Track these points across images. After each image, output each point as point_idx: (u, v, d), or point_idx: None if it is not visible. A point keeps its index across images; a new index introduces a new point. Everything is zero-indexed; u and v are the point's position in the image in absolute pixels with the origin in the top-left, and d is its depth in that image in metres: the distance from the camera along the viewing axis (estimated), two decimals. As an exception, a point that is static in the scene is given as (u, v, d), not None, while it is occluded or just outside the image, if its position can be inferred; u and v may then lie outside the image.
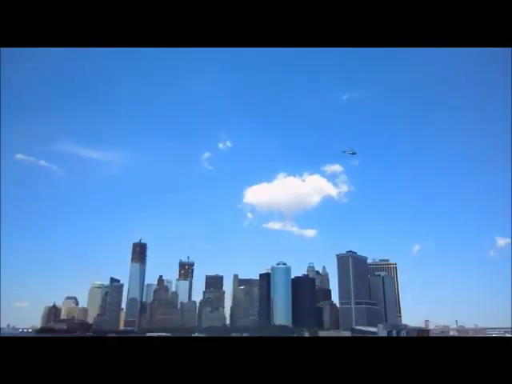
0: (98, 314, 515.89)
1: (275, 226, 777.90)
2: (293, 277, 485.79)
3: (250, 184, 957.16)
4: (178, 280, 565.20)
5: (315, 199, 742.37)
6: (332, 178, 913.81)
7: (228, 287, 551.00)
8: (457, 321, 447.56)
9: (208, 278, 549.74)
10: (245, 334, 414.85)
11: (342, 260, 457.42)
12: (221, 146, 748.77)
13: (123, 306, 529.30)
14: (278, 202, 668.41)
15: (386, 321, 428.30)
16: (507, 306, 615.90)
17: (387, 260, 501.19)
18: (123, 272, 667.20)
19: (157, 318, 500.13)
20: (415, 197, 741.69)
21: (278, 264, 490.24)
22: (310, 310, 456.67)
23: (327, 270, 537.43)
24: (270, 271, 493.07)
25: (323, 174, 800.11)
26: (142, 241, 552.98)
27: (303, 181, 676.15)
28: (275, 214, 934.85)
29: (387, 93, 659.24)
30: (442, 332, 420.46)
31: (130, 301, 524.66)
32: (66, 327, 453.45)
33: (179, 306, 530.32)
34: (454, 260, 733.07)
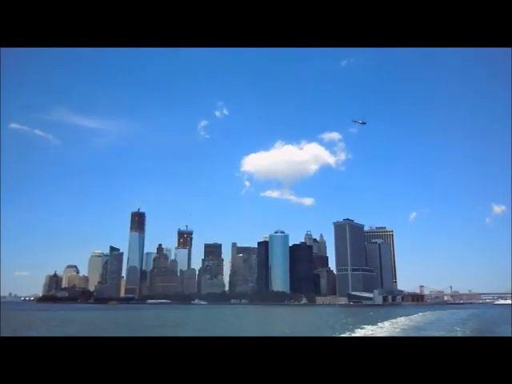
0: (98, 282, 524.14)
1: (273, 194, 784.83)
2: (290, 244, 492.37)
3: (248, 152, 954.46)
4: (177, 248, 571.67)
5: (313, 167, 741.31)
6: (330, 146, 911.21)
7: (227, 255, 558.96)
8: (451, 286, 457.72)
9: (207, 246, 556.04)
10: (243, 301, 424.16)
11: (339, 228, 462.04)
12: (217, 113, 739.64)
13: (123, 274, 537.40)
14: (276, 171, 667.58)
15: (382, 287, 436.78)
16: (501, 272, 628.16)
17: (384, 227, 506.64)
18: (122, 241, 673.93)
19: (157, 286, 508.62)
20: (413, 164, 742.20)
21: (275, 232, 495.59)
22: (308, 277, 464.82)
23: (324, 238, 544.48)
24: (268, 239, 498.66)
25: (321, 142, 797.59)
26: (141, 210, 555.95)
27: (301, 149, 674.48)
28: (273, 183, 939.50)
29: (386, 58, 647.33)
30: (437, 297, 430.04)
31: (130, 269, 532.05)
32: (67, 295, 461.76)
33: (179, 274, 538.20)
34: (449, 227, 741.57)
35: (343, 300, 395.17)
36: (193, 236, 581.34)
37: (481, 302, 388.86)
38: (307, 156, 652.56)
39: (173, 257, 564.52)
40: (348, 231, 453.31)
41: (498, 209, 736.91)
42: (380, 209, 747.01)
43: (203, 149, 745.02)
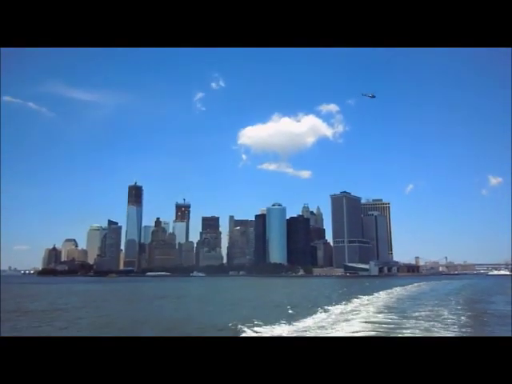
0: (97, 255, 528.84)
1: (270, 167, 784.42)
2: (288, 217, 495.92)
3: (245, 125, 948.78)
4: (175, 221, 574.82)
5: (310, 140, 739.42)
6: (327, 118, 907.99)
7: (224, 228, 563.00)
8: (446, 257, 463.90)
9: (204, 219, 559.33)
10: (241, 273, 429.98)
11: (336, 200, 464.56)
12: (214, 85, 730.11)
13: (122, 247, 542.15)
14: (273, 143, 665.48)
15: (378, 258, 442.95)
16: (495, 244, 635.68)
17: (380, 200, 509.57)
18: (120, 214, 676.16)
19: (156, 258, 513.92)
20: (410, 136, 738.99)
21: (273, 205, 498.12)
22: (305, 249, 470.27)
23: (321, 210, 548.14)
24: (265, 212, 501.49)
25: (319, 114, 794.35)
26: (138, 183, 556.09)
27: (298, 121, 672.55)
28: (270, 155, 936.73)
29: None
30: (432, 268, 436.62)
31: (129, 242, 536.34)
32: (67, 268, 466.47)
33: (177, 247, 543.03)
34: (446, 199, 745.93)
35: (340, 271, 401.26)
36: (190, 209, 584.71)
37: (475, 272, 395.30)
38: (304, 128, 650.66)
39: (171, 230, 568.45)
40: (345, 204, 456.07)
41: (495, 180, 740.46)
42: (377, 181, 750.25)
43: (199, 121, 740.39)
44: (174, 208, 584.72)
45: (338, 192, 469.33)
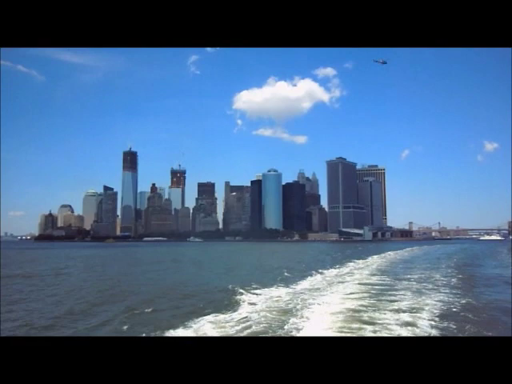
0: (94, 221, 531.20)
1: (266, 132, 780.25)
2: (283, 183, 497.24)
3: (240, 89, 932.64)
4: (171, 187, 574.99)
5: (306, 105, 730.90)
6: (324, 82, 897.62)
7: (220, 194, 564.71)
8: (439, 222, 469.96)
9: (200, 185, 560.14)
10: (238, 238, 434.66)
11: (332, 166, 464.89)
12: (208, 48, 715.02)
13: (118, 212, 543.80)
14: (269, 108, 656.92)
15: (372, 223, 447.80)
16: (489, 209, 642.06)
17: (376, 166, 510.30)
18: (116, 180, 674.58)
19: (152, 224, 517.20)
20: (406, 102, 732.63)
21: (268, 171, 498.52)
22: (300, 214, 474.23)
23: (317, 176, 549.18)
24: (261, 178, 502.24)
25: (315, 78, 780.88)
26: (132, 149, 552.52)
27: (294, 85, 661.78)
28: (265, 121, 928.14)
29: None
30: (425, 233, 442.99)
31: (125, 208, 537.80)
32: (64, 234, 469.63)
33: (173, 212, 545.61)
34: (441, 164, 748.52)
35: (334, 236, 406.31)
36: (186, 175, 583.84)
37: (467, 237, 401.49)
38: (301, 93, 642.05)
39: (166, 196, 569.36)
40: (340, 170, 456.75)
41: (490, 146, 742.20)
42: (373, 147, 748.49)
43: (194, 85, 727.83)
44: (170, 174, 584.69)
45: (333, 158, 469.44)
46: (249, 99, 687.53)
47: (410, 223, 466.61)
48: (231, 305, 24.43)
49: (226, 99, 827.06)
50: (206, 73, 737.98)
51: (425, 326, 18.28)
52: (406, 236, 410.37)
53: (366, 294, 27.54)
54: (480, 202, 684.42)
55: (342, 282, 35.74)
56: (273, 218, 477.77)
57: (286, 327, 18.07)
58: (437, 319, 19.70)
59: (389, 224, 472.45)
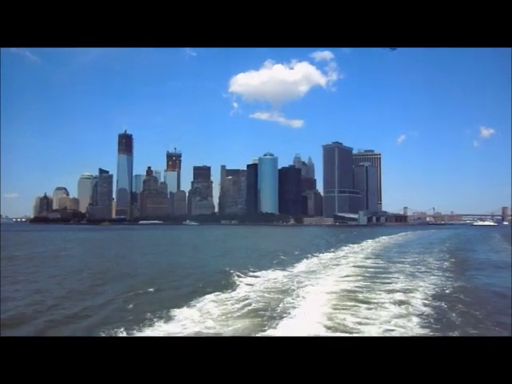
0: (89, 204, 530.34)
1: (262, 116, 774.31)
2: (279, 167, 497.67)
3: (236, 72, 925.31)
4: (166, 171, 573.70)
5: (303, 88, 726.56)
6: (321, 65, 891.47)
7: (216, 177, 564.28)
8: (434, 208, 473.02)
9: (196, 168, 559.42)
10: (233, 221, 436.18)
11: (328, 151, 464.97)
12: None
13: (113, 196, 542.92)
14: (265, 92, 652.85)
15: (367, 208, 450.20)
16: (484, 195, 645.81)
17: (372, 151, 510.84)
18: (111, 163, 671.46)
19: (148, 207, 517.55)
20: (403, 86, 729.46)
21: (265, 155, 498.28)
22: (296, 199, 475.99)
23: (313, 161, 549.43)
24: (257, 162, 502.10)
25: (312, 62, 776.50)
26: (128, 131, 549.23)
27: (291, 69, 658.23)
28: (262, 104, 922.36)
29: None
30: (419, 218, 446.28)
31: (120, 191, 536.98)
32: (60, 216, 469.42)
33: (168, 196, 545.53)
34: (436, 150, 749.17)
35: (329, 221, 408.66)
36: (181, 159, 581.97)
37: (461, 223, 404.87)
38: (297, 76, 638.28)
39: (162, 179, 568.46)
40: (336, 154, 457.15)
41: (487, 132, 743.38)
42: (369, 131, 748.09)
43: (189, 68, 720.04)
44: (165, 157, 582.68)
45: (329, 142, 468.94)
46: (245, 82, 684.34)
47: (405, 208, 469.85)
48: (229, 285, 25.12)
49: (222, 82, 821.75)
50: (203, 54, 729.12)
51: (418, 305, 19.14)
52: (400, 221, 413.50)
53: (360, 277, 28.25)
54: (475, 187, 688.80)
55: (337, 265, 36.50)
56: (268, 202, 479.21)
57: (283, 305, 18.81)
58: (429, 299, 20.56)
59: (384, 209, 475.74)
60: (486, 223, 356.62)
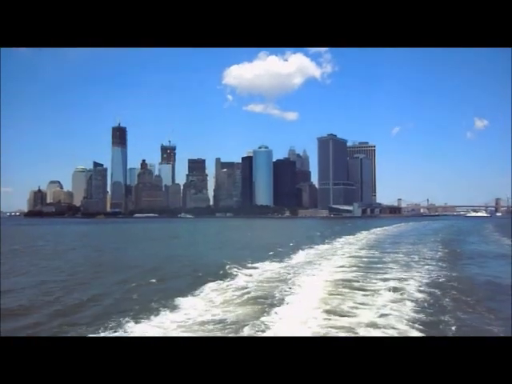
0: (84, 197, 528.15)
1: (256, 108, 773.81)
2: (274, 160, 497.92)
3: (230, 64, 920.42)
4: (161, 164, 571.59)
5: (298, 80, 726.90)
6: (316, 56, 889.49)
7: (211, 170, 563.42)
8: (428, 199, 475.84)
9: (190, 161, 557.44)
10: (228, 214, 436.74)
11: (323, 143, 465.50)
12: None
13: (108, 189, 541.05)
14: (260, 84, 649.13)
15: (362, 200, 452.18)
16: (477, 187, 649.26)
17: (366, 143, 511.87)
18: (105, 156, 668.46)
19: (143, 200, 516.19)
20: (398, 77, 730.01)
21: (259, 147, 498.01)
22: (291, 191, 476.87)
23: (307, 153, 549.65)
24: (251, 154, 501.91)
25: (306, 53, 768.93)
26: (121, 124, 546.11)
27: (285, 60, 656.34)
28: (256, 96, 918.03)
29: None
30: (413, 210, 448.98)
31: (115, 184, 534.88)
32: (54, 210, 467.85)
33: (163, 189, 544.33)
34: (431, 142, 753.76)
35: (324, 213, 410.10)
36: (176, 152, 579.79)
37: (455, 214, 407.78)
38: (292, 68, 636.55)
39: (157, 172, 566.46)
40: (331, 146, 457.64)
41: (481, 123, 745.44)
42: (364, 123, 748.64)
43: (182, 59, 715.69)
44: (160, 150, 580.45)
45: (324, 134, 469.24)
46: (239, 74, 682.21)
47: (399, 200, 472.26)
48: (228, 275, 25.82)
49: (215, 74, 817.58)
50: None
51: (412, 291, 20.04)
52: (394, 212, 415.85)
53: (355, 267, 28.99)
54: (469, 179, 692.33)
55: (333, 256, 37.27)
56: (263, 194, 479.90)
57: (281, 293, 19.62)
58: (423, 286, 21.42)
59: (378, 201, 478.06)
60: (479, 214, 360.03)
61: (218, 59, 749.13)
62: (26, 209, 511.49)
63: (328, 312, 16.06)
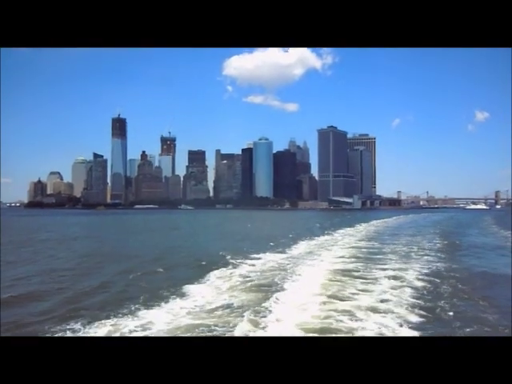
0: (84, 188, 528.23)
1: (256, 99, 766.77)
2: (274, 151, 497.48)
3: (230, 54, 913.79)
4: (161, 155, 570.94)
5: (298, 72, 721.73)
6: (316, 48, 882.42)
7: (211, 162, 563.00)
8: (427, 192, 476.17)
9: (190, 153, 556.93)
10: (228, 206, 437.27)
11: (323, 135, 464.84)
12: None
13: (108, 180, 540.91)
14: (260, 75, 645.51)
15: (362, 192, 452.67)
16: (477, 179, 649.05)
17: (366, 135, 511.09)
18: (105, 147, 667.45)
19: (143, 192, 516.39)
20: (399, 70, 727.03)
21: (259, 139, 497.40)
22: (291, 183, 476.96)
23: (308, 145, 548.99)
24: (252, 146, 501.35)
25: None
26: (121, 115, 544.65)
27: (286, 51, 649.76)
28: (256, 88, 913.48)
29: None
30: (413, 202, 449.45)
31: (115, 175, 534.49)
32: (54, 201, 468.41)
33: (163, 180, 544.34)
34: (431, 134, 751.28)
35: (324, 205, 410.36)
36: (176, 143, 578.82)
37: (455, 206, 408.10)
38: (292, 59, 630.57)
39: (157, 164, 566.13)
40: (331, 138, 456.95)
41: (481, 116, 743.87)
42: (364, 115, 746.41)
43: (183, 50, 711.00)
44: (160, 141, 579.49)
45: (324, 126, 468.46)
46: (239, 65, 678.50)
47: (399, 192, 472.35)
48: (231, 264, 26.52)
49: (215, 65, 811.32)
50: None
51: (411, 279, 20.81)
52: (394, 205, 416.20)
53: (355, 258, 29.61)
54: (469, 172, 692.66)
55: (332, 246, 37.93)
56: (263, 186, 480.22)
57: (283, 281, 20.41)
58: (421, 275, 22.14)
59: (378, 193, 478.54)
60: (479, 207, 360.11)
61: (218, 50, 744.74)
62: (26, 200, 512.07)
63: (329, 297, 16.85)
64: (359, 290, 18.31)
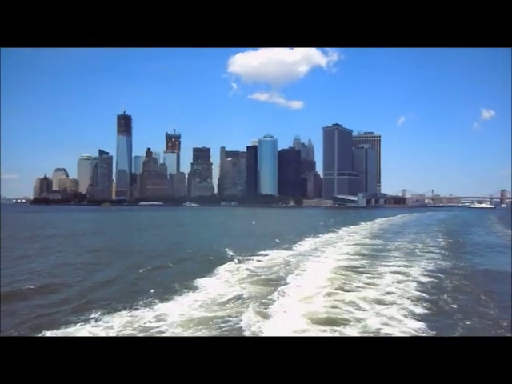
0: (89, 185, 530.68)
1: (261, 97, 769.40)
2: (279, 149, 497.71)
3: (235, 51, 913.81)
4: (166, 152, 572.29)
5: (303, 69, 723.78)
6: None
7: (215, 159, 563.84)
8: (432, 190, 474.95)
9: (195, 150, 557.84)
10: (233, 203, 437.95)
11: (328, 132, 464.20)
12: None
13: (113, 177, 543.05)
14: (265, 72, 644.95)
15: (366, 190, 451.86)
16: (483, 178, 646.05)
17: (371, 133, 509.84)
18: (110, 144, 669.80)
19: (148, 189, 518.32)
20: (404, 68, 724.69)
21: (264, 137, 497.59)
22: (295, 181, 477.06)
23: (313, 143, 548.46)
24: (256, 144, 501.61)
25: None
26: (127, 112, 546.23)
27: (291, 48, 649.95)
28: (261, 85, 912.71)
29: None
30: (418, 200, 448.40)
31: (120, 172, 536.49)
32: (60, 197, 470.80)
33: (168, 177, 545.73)
34: (436, 132, 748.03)
35: (329, 202, 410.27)
36: (181, 140, 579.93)
37: (460, 205, 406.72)
38: (298, 56, 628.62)
39: (162, 161, 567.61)
40: (336, 136, 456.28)
41: (487, 114, 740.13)
42: (370, 113, 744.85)
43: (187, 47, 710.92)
44: (164, 138, 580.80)
45: (329, 124, 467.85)
46: (244, 62, 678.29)
47: (404, 190, 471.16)
48: (238, 260, 27.08)
49: (220, 62, 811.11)
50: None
51: (416, 275, 21.42)
52: (399, 203, 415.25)
53: (358, 256, 29.97)
54: (474, 170, 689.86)
55: (337, 243, 38.41)
56: (268, 183, 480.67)
57: (289, 275, 21.06)
58: (426, 272, 22.71)
59: (383, 191, 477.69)
60: (484, 206, 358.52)
61: (222, 47, 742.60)
62: (31, 196, 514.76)
63: (335, 289, 17.62)
64: (365, 284, 18.99)
